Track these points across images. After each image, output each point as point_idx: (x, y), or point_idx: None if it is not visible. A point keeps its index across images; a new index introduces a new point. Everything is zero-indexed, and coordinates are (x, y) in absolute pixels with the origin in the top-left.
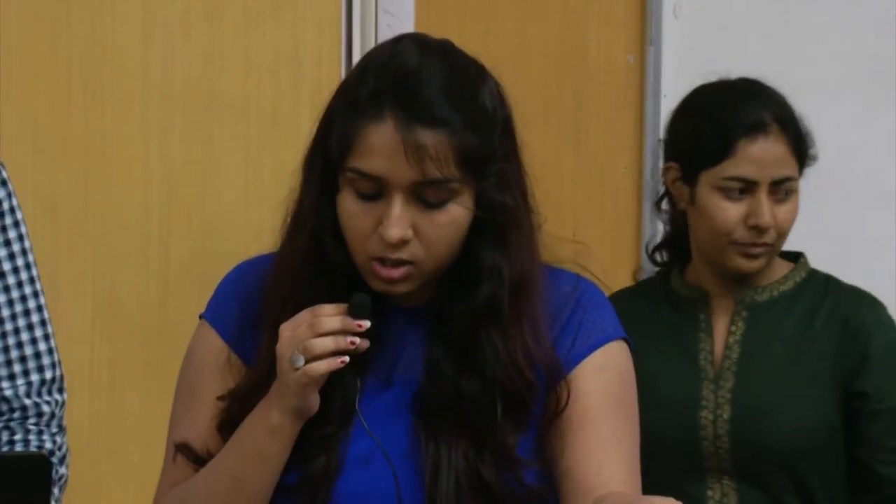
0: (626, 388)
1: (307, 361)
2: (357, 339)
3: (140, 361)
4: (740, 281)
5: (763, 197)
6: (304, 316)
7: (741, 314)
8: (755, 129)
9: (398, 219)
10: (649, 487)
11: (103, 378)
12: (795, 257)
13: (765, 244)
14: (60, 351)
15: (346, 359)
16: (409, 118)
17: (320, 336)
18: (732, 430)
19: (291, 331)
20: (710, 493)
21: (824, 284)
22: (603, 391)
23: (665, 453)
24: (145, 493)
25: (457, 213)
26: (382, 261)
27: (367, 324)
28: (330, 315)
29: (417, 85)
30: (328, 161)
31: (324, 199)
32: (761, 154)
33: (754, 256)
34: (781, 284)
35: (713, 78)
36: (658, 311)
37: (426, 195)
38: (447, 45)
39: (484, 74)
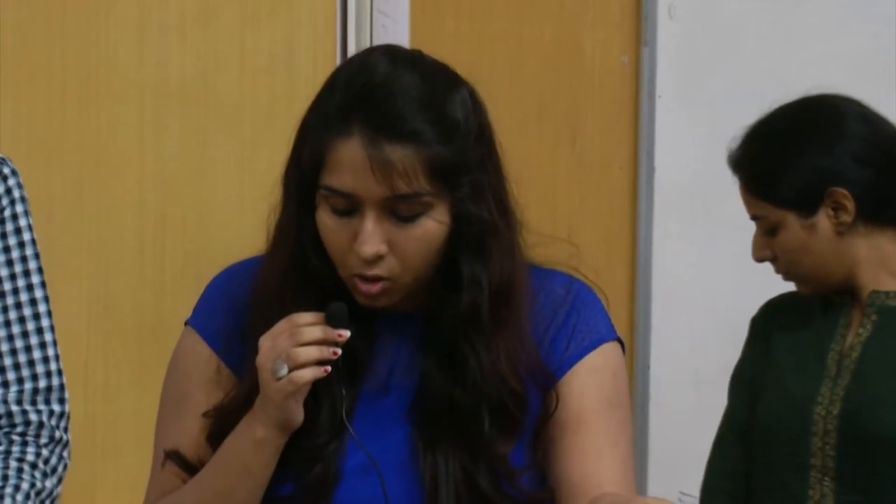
0: (620, 390)
1: (290, 370)
2: (339, 350)
3: (135, 362)
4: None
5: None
6: (282, 326)
7: (870, 317)
8: None
9: (371, 235)
10: (756, 481)
11: (98, 379)
12: None
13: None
14: None
15: (329, 368)
16: (375, 133)
17: (303, 345)
18: (840, 426)
19: (272, 341)
20: (811, 492)
21: None
22: (597, 393)
23: (778, 447)
24: (139, 494)
25: (431, 226)
26: (363, 276)
27: (347, 333)
28: (309, 324)
29: (384, 98)
30: (304, 176)
31: (304, 214)
32: None
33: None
34: None
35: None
36: (809, 315)
37: (398, 210)
38: (417, 56)
39: (455, 82)
